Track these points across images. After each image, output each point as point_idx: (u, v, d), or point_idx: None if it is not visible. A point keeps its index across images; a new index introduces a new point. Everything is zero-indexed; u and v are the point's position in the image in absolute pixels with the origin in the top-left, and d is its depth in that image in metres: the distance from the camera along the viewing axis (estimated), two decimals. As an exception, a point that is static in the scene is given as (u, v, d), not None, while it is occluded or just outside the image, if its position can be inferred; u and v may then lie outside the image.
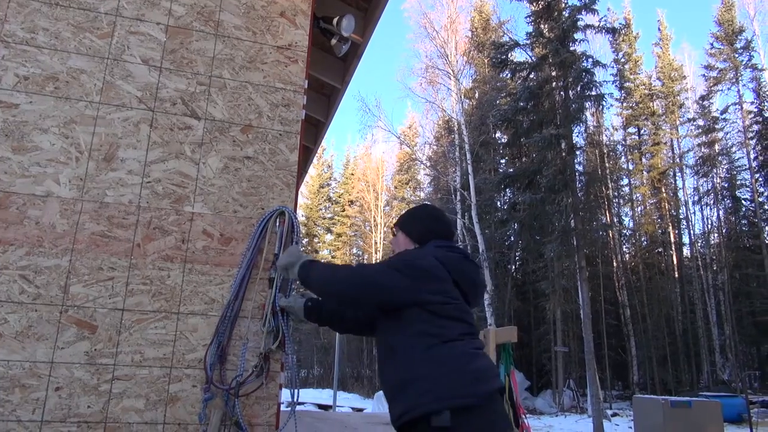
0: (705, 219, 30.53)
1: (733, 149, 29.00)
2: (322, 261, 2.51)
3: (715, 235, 29.70)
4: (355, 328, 2.43)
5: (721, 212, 29.79)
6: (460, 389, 1.75)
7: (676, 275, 28.78)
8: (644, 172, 30.31)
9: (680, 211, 30.47)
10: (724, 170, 29.63)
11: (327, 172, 45.31)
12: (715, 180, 29.28)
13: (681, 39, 67.19)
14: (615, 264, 26.80)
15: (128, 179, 2.56)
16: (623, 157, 30.50)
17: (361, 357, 32.04)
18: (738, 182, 28.90)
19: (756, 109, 28.58)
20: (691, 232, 30.75)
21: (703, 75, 30.44)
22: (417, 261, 2.00)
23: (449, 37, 23.63)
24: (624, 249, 29.51)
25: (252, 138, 2.78)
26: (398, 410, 1.83)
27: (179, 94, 2.72)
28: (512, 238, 26.07)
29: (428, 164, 29.44)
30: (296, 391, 2.51)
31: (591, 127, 25.55)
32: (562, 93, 17.09)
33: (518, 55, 20.20)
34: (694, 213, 31.08)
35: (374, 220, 35.98)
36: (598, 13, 17.60)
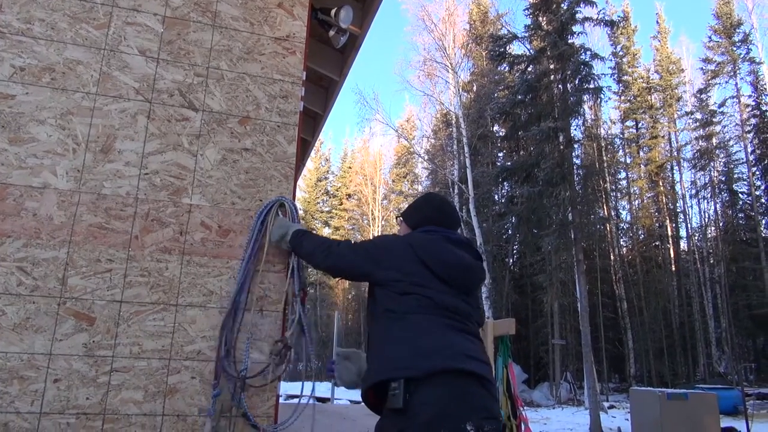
0: (702, 212, 30.63)
1: (731, 143, 29.07)
2: (311, 232, 2.54)
3: (712, 228, 29.80)
4: None
5: (718, 205, 29.88)
6: (404, 360, 1.77)
7: (673, 268, 28.89)
8: (642, 166, 30.36)
9: (677, 204, 30.55)
10: (722, 164, 29.70)
11: (325, 165, 45.25)
12: (712, 173, 29.34)
13: (679, 32, 67.18)
14: (612, 257, 26.88)
15: (126, 171, 2.55)
16: (621, 151, 30.53)
17: (358, 350, 32.08)
18: (735, 176, 28.99)
19: (754, 103, 28.63)
20: (689, 225, 30.87)
21: (701, 68, 30.46)
22: (380, 242, 2.16)
23: (447, 29, 23.57)
24: (621, 242, 29.61)
25: (250, 130, 2.77)
26: (363, 380, 1.96)
27: (177, 86, 2.71)
28: (510, 232, 26.12)
29: (426, 157, 29.43)
30: (310, 384, 2.54)
31: (589, 121, 25.53)
32: (560, 86, 17.07)
33: (516, 48, 20.20)
34: (692, 206, 31.19)
35: (372, 214, 35.98)
36: (596, 6, 17.57)
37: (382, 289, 2.02)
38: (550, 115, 16.77)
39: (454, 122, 24.48)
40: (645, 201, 30.59)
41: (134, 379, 2.36)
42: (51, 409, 2.25)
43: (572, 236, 15.82)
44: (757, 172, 28.02)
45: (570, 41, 17.06)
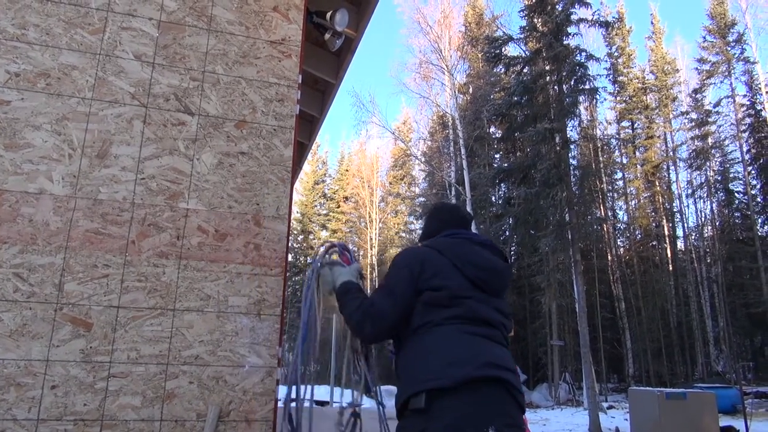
0: (698, 212, 30.72)
1: (726, 142, 29.16)
2: (355, 288, 2.16)
3: (709, 227, 29.86)
4: None
5: (714, 205, 29.97)
6: (434, 372, 1.73)
7: (671, 268, 28.94)
8: (638, 166, 30.42)
9: (674, 204, 30.63)
10: (717, 163, 29.80)
11: (322, 168, 45.26)
12: (708, 173, 29.43)
13: (674, 32, 67.34)
14: (610, 257, 26.93)
15: (122, 176, 2.55)
16: (617, 151, 30.59)
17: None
18: (731, 175, 29.08)
19: (748, 102, 28.74)
20: (685, 225, 30.95)
21: (696, 68, 30.56)
22: (402, 259, 2.00)
23: (443, 32, 23.62)
24: (618, 242, 29.66)
25: (246, 133, 2.77)
26: (395, 401, 1.85)
27: (172, 90, 2.70)
28: (507, 233, 26.14)
29: (423, 160, 29.45)
30: (339, 390, 2.38)
31: (585, 121, 25.58)
32: (555, 87, 17.10)
33: (512, 50, 20.21)
34: (688, 206, 31.29)
35: (369, 216, 35.97)
36: (591, 7, 17.62)
37: (418, 306, 1.89)
38: (546, 116, 16.80)
39: (450, 124, 24.52)
40: (641, 201, 30.66)
41: (132, 384, 2.35)
42: (48, 415, 2.24)
43: (569, 237, 15.85)
44: (753, 171, 28.12)
45: (565, 42, 17.10)
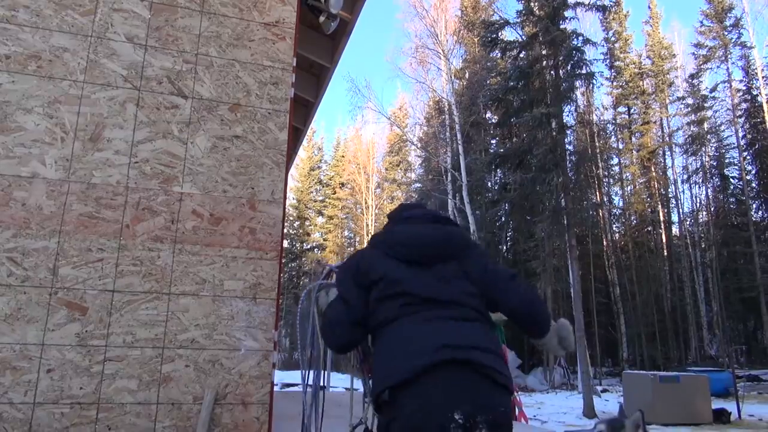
0: (694, 197, 30.80)
1: (722, 127, 29.15)
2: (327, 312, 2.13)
3: (704, 213, 30.00)
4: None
5: (709, 190, 30.06)
6: (392, 368, 1.69)
7: (665, 253, 29.09)
8: (634, 151, 30.43)
9: (669, 189, 30.69)
10: (713, 149, 29.81)
11: (317, 154, 45.08)
12: (703, 158, 29.46)
13: (671, 17, 67.08)
14: (605, 243, 27.02)
15: (115, 159, 2.53)
16: (613, 137, 30.58)
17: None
18: (726, 160, 29.12)
19: (744, 87, 28.70)
20: (680, 210, 31.04)
21: (693, 53, 30.43)
22: (343, 275, 1.96)
23: (439, 16, 23.44)
24: (614, 228, 29.75)
25: (240, 117, 2.75)
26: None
27: (165, 73, 2.68)
28: (503, 218, 26.18)
29: (419, 145, 29.38)
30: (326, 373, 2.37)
31: (581, 107, 25.53)
32: (552, 72, 17.02)
33: (508, 34, 20.06)
34: (683, 191, 31.34)
35: (365, 203, 35.93)
36: (588, -9, 17.48)
37: (372, 305, 1.85)
38: (542, 101, 16.74)
39: (446, 109, 24.40)
40: (637, 186, 30.71)
41: (128, 368, 2.36)
42: (45, 399, 2.24)
43: (565, 222, 15.87)
44: (748, 157, 28.17)
45: (562, 27, 16.99)
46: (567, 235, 16.11)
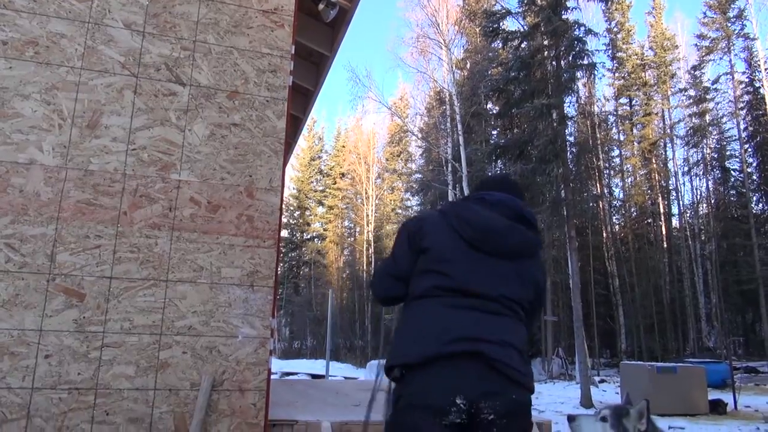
0: (694, 189, 30.76)
1: (724, 120, 29.05)
2: None
3: (704, 205, 29.97)
4: None
5: (710, 183, 30.02)
6: (404, 348, 1.75)
7: (665, 245, 29.11)
8: (635, 143, 30.36)
9: (670, 181, 30.65)
10: (714, 141, 29.73)
11: (318, 144, 44.99)
12: (705, 151, 29.39)
13: (674, 8, 66.53)
14: (605, 234, 27.03)
15: (113, 146, 2.53)
16: (614, 128, 30.49)
17: (353, 328, 32.34)
18: (727, 153, 29.04)
19: (747, 79, 28.58)
20: (680, 202, 31.01)
21: (696, 44, 30.26)
22: (401, 230, 2.00)
23: (440, 5, 23.29)
24: (614, 219, 29.74)
25: (238, 104, 2.74)
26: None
27: (163, 60, 2.67)
28: (503, 210, 26.09)
29: (420, 136, 29.31)
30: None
31: (582, 98, 25.45)
32: (553, 62, 16.92)
33: (510, 24, 19.94)
34: (684, 184, 31.28)
35: (366, 193, 35.90)
36: (591, -19, 17.36)
37: (414, 274, 1.87)
38: (543, 92, 16.66)
39: (447, 100, 24.31)
40: (638, 178, 30.67)
41: (125, 354, 2.37)
42: (43, 384, 2.26)
43: (565, 213, 15.87)
44: (750, 149, 28.11)
45: (564, 17, 16.86)
46: (567, 227, 16.11)
